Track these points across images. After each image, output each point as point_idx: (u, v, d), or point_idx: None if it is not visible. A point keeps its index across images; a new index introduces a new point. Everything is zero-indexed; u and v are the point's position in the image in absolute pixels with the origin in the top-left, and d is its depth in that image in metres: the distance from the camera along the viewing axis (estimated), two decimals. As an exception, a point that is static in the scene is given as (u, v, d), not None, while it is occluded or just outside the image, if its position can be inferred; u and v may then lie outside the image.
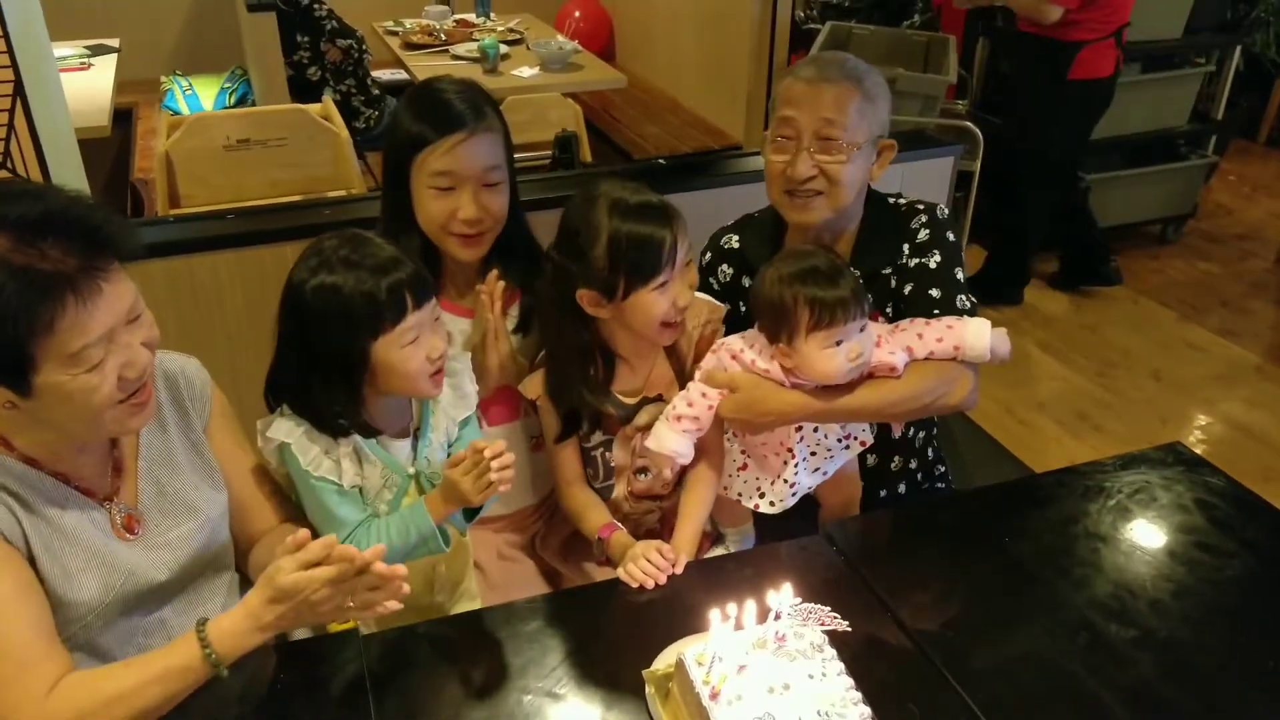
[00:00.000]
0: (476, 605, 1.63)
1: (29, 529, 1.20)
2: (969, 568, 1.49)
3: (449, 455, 1.60)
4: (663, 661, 1.25)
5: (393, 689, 1.26)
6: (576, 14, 5.68)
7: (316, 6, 4.01)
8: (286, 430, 1.43)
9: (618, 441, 1.67)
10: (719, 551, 1.73)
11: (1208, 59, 4.41)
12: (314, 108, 3.24)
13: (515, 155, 1.69)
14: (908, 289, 1.67)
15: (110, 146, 3.94)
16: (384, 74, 4.58)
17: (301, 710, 1.24)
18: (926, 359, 1.58)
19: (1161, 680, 1.28)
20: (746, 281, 1.74)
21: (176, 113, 3.99)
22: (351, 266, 1.38)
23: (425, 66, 4.09)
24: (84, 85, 3.66)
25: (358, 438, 1.46)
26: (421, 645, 1.34)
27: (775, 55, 4.42)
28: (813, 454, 1.63)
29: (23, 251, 1.08)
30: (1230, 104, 4.58)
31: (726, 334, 1.67)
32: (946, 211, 1.72)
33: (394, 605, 1.23)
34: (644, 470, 1.67)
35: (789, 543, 1.55)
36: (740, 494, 1.66)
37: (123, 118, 4.10)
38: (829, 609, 1.21)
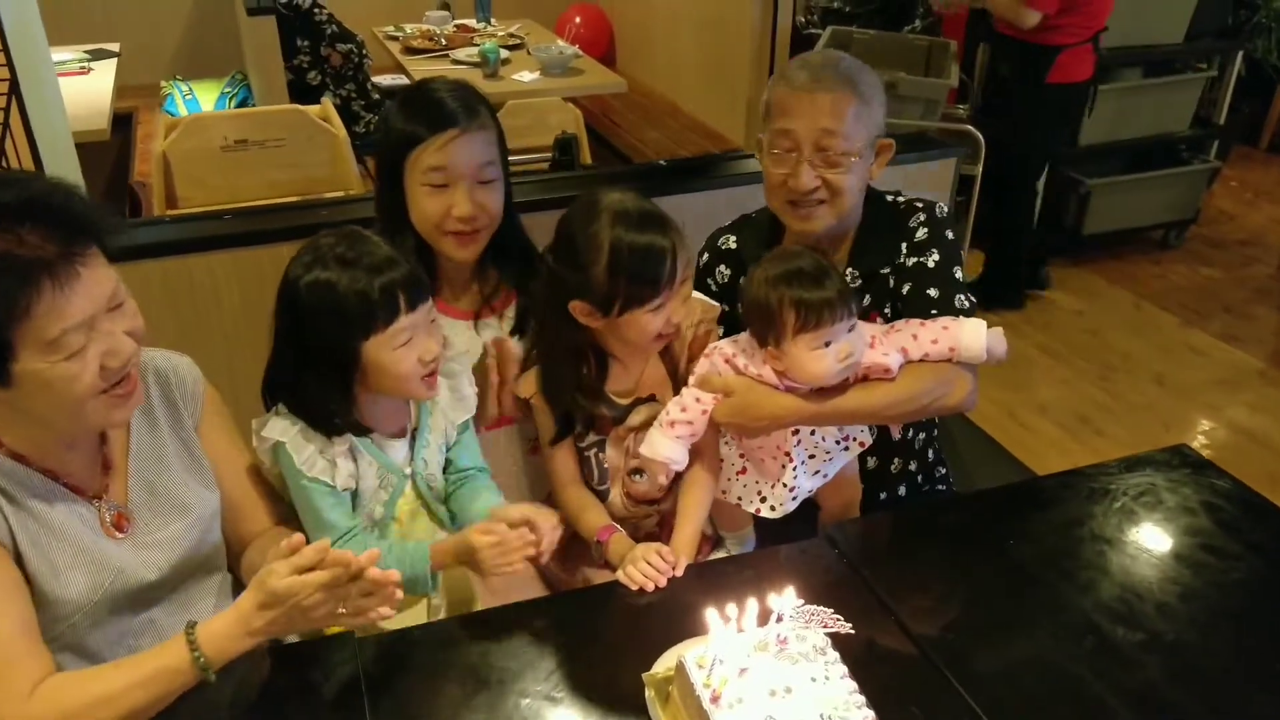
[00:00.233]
0: (474, 608, 1.61)
1: (16, 525, 1.19)
2: (972, 570, 1.47)
3: (447, 458, 1.59)
4: (663, 664, 1.24)
5: (388, 692, 1.24)
6: (577, 19, 5.69)
7: (317, 10, 4.01)
8: (281, 429, 1.42)
9: (610, 442, 1.66)
10: (719, 555, 1.72)
11: (1209, 64, 4.41)
12: (312, 109, 3.23)
13: (515, 158, 1.69)
14: (906, 288, 1.65)
15: (110, 151, 3.93)
16: (384, 79, 4.58)
17: (295, 714, 1.23)
18: (922, 360, 1.56)
19: (1168, 684, 1.26)
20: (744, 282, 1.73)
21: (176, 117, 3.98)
22: (347, 264, 1.37)
23: (425, 71, 4.09)
24: (83, 89, 3.66)
25: (353, 437, 1.45)
26: (417, 648, 1.33)
27: (776, 60, 4.42)
28: (811, 457, 1.61)
29: (1, 238, 1.08)
30: (1232, 109, 4.58)
31: (725, 334, 1.66)
32: (946, 209, 1.71)
33: (387, 612, 1.22)
34: (639, 471, 1.66)
35: (789, 545, 1.54)
36: (740, 498, 1.65)
37: (123, 123, 4.10)
38: (831, 611, 1.19)
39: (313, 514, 1.43)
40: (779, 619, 1.16)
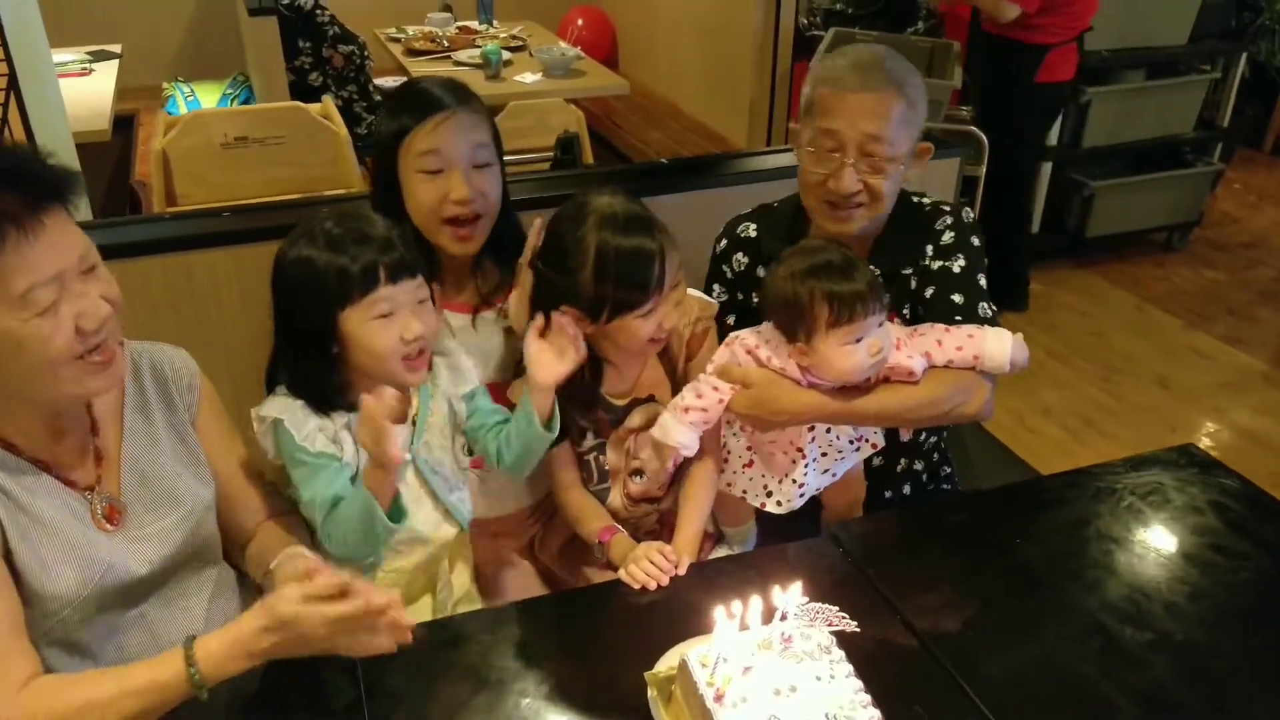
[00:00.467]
0: (475, 608, 1.60)
1: (5, 517, 1.18)
2: (978, 569, 1.46)
3: (466, 434, 1.57)
4: (665, 663, 1.22)
5: (387, 692, 1.23)
6: (579, 21, 5.69)
7: (319, 12, 4.01)
8: (281, 406, 1.41)
9: (610, 444, 1.64)
10: (721, 553, 1.70)
11: (1213, 66, 4.40)
12: (313, 107, 3.23)
13: (517, 158, 1.67)
14: (929, 292, 1.63)
15: (111, 151, 3.93)
16: (386, 81, 4.57)
17: (293, 714, 1.21)
18: (945, 366, 1.55)
19: (1176, 683, 1.25)
20: (761, 271, 1.71)
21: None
22: (331, 239, 1.37)
23: (427, 73, 4.07)
24: (85, 90, 3.66)
25: (349, 415, 1.42)
26: (417, 648, 1.31)
27: (778, 62, 4.42)
28: (823, 455, 1.60)
29: None
30: (1236, 112, 4.57)
31: (736, 325, 1.64)
32: (973, 215, 1.69)
33: (389, 648, 1.19)
34: (639, 473, 1.64)
35: (793, 544, 1.53)
36: (745, 491, 1.63)
37: (125, 124, 4.10)
38: (837, 609, 1.18)
39: (307, 489, 1.40)
40: (783, 617, 1.15)
